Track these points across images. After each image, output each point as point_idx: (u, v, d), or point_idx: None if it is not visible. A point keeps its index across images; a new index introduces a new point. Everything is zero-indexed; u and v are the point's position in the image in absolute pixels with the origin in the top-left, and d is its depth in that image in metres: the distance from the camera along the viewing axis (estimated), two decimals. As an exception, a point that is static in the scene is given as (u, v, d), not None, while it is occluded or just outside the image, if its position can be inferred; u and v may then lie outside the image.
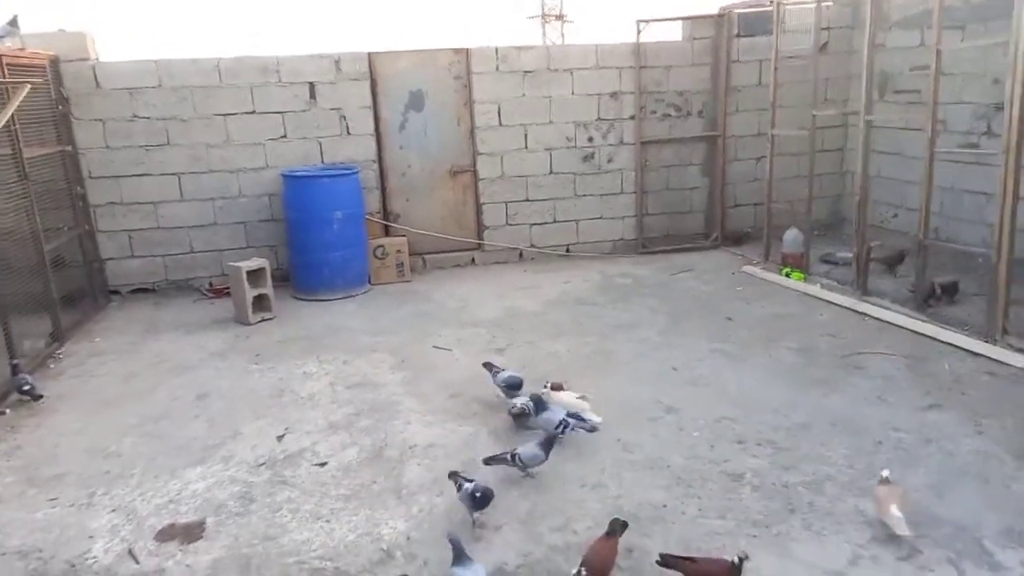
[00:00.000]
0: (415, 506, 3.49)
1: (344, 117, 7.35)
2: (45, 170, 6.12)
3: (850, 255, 6.46)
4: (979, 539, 3.06)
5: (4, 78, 5.42)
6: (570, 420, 3.89)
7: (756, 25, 7.81)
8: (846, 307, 5.99)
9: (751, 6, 7.68)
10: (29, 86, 5.53)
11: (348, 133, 7.39)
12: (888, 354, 5.00)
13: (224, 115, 7.11)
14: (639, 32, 7.72)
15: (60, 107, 6.59)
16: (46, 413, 4.71)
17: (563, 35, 33.00)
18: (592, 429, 3.95)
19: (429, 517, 3.39)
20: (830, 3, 7.24)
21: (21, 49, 5.95)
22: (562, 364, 5.07)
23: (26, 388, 4.78)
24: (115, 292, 7.23)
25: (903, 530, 2.99)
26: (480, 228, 7.94)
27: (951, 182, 6.84)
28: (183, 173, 7.15)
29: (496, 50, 7.57)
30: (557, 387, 4.41)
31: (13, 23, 5.84)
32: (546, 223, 8.05)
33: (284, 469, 3.89)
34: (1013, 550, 2.98)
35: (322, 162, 7.36)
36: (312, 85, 7.22)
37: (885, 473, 3.22)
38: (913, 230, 5.82)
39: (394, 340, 5.74)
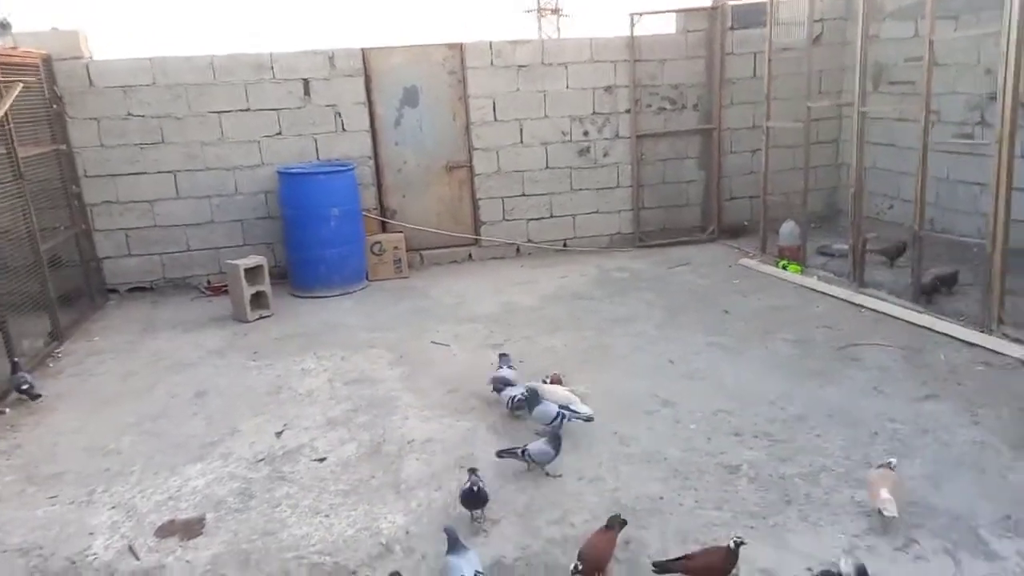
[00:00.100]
0: (413, 500, 3.51)
1: (339, 113, 7.35)
2: (40, 169, 6.12)
3: (846, 247, 6.47)
4: (975, 528, 3.08)
5: (-2, 77, 5.41)
6: (565, 412, 3.91)
7: (750, 17, 7.80)
8: (842, 299, 6.01)
9: (745, -2, 7.69)
10: (21, 85, 5.52)
11: (343, 129, 7.39)
12: (884, 345, 5.02)
13: (219, 112, 7.10)
14: (633, 25, 7.72)
15: (54, 106, 6.58)
16: (45, 412, 4.72)
17: (559, 29, 33.00)
18: (588, 419, 3.97)
19: (427, 511, 3.40)
20: (824, -6, 7.25)
21: (13, 48, 5.93)
22: (559, 359, 5.08)
23: (24, 387, 4.79)
24: (113, 291, 7.23)
25: (890, 511, 3.01)
26: (477, 224, 7.94)
27: (946, 173, 6.86)
28: (179, 171, 7.15)
29: (490, 45, 7.56)
30: (556, 380, 4.44)
31: (4, 24, 5.83)
32: (543, 218, 8.05)
33: (283, 465, 3.91)
34: (1009, 539, 3.00)
35: (318, 159, 7.36)
36: (306, 82, 7.22)
37: (893, 461, 3.25)
38: (909, 221, 5.83)
39: (392, 336, 5.75)
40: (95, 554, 3.24)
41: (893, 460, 3.28)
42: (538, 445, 3.61)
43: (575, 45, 7.82)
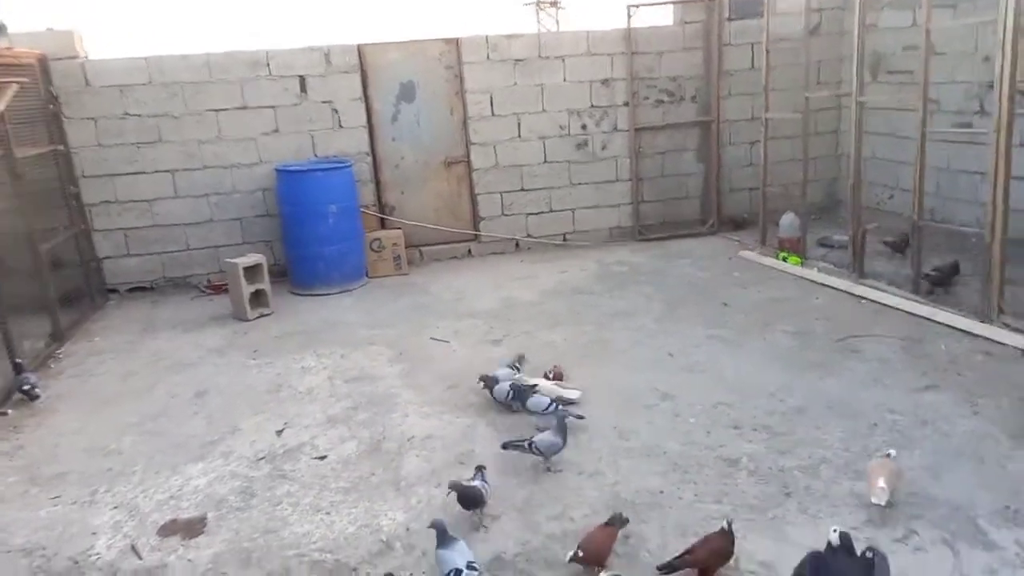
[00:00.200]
0: (413, 497, 3.52)
1: (336, 110, 7.33)
2: (38, 170, 6.11)
3: (846, 238, 6.46)
4: (974, 519, 3.08)
5: (-7, 78, 5.40)
6: (556, 401, 4.02)
7: (747, 8, 7.77)
8: (842, 290, 6.01)
9: (742, -11, 7.66)
10: (16, 86, 5.51)
11: (340, 126, 7.37)
12: (884, 336, 5.02)
13: (215, 110, 7.09)
14: (630, 17, 7.69)
15: (51, 106, 6.58)
16: (47, 413, 4.73)
17: (558, 22, 32.86)
18: (579, 417, 3.97)
19: (428, 508, 3.41)
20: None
21: (8, 48, 5.92)
22: (559, 353, 5.08)
23: (26, 388, 4.81)
24: (113, 291, 7.23)
25: (878, 498, 3.03)
26: (476, 219, 7.93)
27: (946, 162, 6.84)
28: (176, 170, 7.14)
29: (486, 39, 7.54)
30: (558, 375, 4.47)
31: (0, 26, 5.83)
32: (542, 212, 8.05)
33: (283, 463, 3.92)
34: (1008, 529, 3.01)
35: (315, 156, 7.35)
36: (303, 78, 7.20)
37: (892, 452, 3.27)
38: (909, 211, 5.82)
39: (392, 333, 5.76)
40: (98, 554, 3.26)
41: (892, 451, 3.29)
42: (546, 436, 3.62)
43: (572, 38, 7.80)
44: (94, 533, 3.41)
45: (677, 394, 4.38)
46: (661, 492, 3.42)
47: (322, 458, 3.94)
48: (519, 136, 7.79)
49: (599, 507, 3.31)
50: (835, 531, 2.66)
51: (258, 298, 6.37)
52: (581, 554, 2.79)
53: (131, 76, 6.89)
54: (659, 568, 2.83)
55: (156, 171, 7.10)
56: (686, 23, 7.93)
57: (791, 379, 4.49)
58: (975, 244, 5.36)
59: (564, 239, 8.15)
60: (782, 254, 6.92)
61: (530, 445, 3.59)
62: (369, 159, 7.51)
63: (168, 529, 3.41)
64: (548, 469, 3.63)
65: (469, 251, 7.99)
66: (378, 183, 7.63)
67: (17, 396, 4.85)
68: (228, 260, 6.39)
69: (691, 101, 8.10)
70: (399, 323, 5.99)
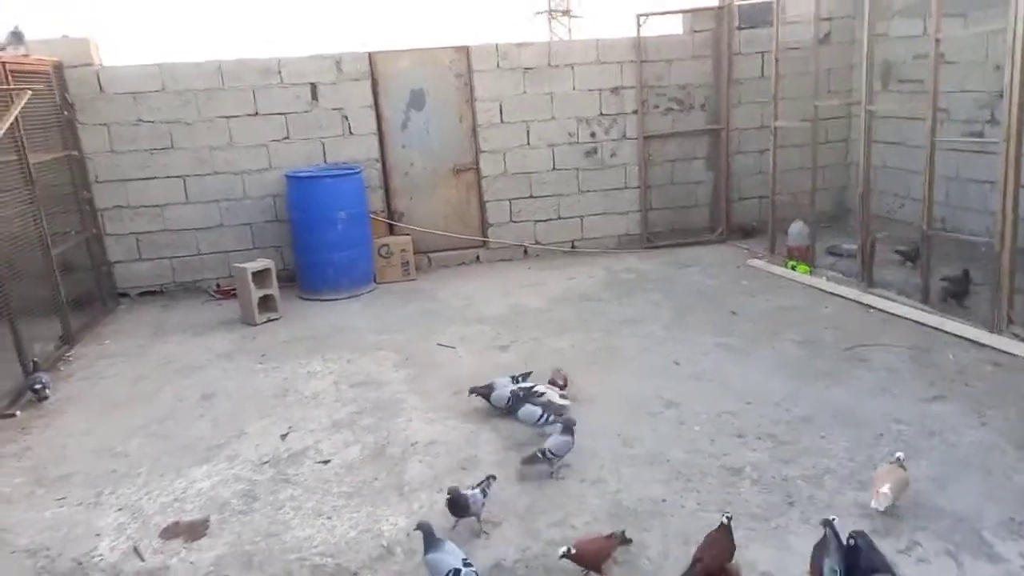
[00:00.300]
0: (416, 503, 3.52)
1: (346, 117, 7.39)
2: (51, 175, 6.19)
3: (855, 247, 6.42)
4: (978, 530, 3.05)
5: (8, 85, 5.48)
6: (547, 411, 4.03)
7: (757, 16, 7.78)
8: (851, 299, 5.97)
9: (752, -3, 7.66)
10: (30, 92, 5.59)
11: (350, 133, 7.42)
12: (892, 346, 4.98)
13: (227, 117, 7.16)
14: (639, 26, 7.71)
15: (65, 112, 6.66)
16: (55, 414, 4.78)
17: (570, 31, 32.94)
18: (567, 426, 3.81)
19: (430, 514, 3.40)
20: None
21: (25, 55, 6.01)
22: (567, 360, 5.07)
23: (37, 387, 4.88)
24: (124, 295, 7.30)
25: (877, 502, 3.04)
26: (484, 226, 7.95)
27: (956, 171, 6.80)
28: (188, 176, 7.22)
29: (496, 47, 7.58)
30: (564, 379, 4.47)
31: (17, 33, 5.91)
32: (550, 219, 8.05)
33: (287, 467, 3.93)
34: (1013, 541, 2.97)
35: (325, 162, 7.40)
36: (314, 86, 7.26)
37: (901, 455, 3.26)
38: (919, 220, 5.78)
39: (399, 338, 5.77)
40: (101, 555, 3.28)
41: (901, 455, 3.27)
42: (556, 439, 3.63)
43: (581, 47, 7.82)
44: (98, 534, 3.44)
45: (683, 402, 4.37)
46: (663, 500, 3.41)
47: (326, 462, 3.95)
48: (528, 144, 7.81)
49: (601, 515, 3.30)
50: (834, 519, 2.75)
51: (267, 303, 6.41)
52: (573, 551, 2.78)
53: (144, 83, 6.97)
54: None
55: (168, 176, 7.17)
56: (695, 32, 7.94)
57: (798, 388, 4.46)
58: (984, 253, 5.32)
59: (572, 246, 8.15)
60: (791, 263, 6.88)
61: (543, 453, 3.59)
62: (379, 166, 7.56)
63: (171, 531, 3.43)
64: (552, 475, 3.63)
65: (477, 257, 8.01)
66: (387, 189, 7.67)
67: (27, 397, 4.92)
68: (237, 265, 6.44)
69: (700, 109, 8.10)
70: (406, 329, 6.00)
